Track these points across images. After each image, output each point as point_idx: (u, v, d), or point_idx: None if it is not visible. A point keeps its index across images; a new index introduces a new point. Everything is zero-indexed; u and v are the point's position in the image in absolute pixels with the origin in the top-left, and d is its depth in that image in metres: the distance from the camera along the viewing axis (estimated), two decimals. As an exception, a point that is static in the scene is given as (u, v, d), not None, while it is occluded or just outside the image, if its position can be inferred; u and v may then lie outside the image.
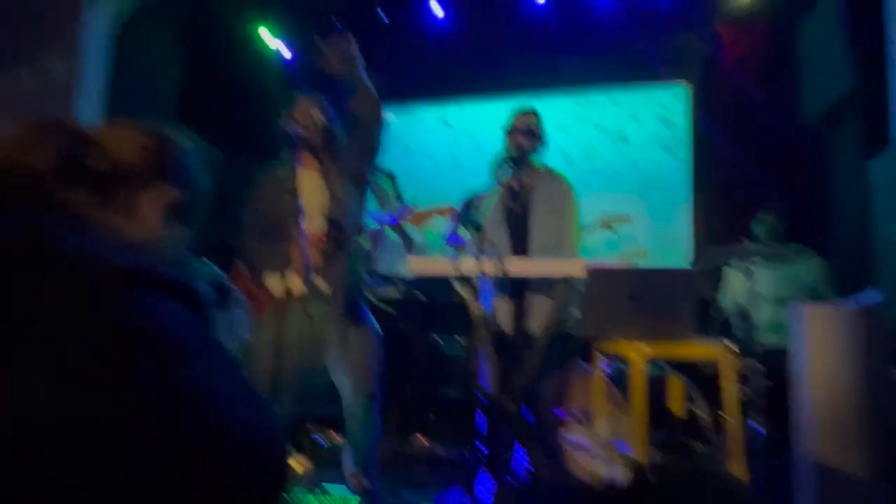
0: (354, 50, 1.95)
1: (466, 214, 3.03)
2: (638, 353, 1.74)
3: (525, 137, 2.34)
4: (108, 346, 0.49)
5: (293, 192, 1.83)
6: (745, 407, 2.35)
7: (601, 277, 1.79)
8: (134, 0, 2.49)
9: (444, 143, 4.39)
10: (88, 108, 2.39)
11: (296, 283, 1.81)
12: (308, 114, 2.02)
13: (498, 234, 2.30)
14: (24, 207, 0.63)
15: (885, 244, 1.30)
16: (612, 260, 3.76)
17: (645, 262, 2.86)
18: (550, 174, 2.44)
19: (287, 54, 4.38)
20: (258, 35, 4.25)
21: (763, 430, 2.22)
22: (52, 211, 0.64)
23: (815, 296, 2.88)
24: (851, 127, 2.83)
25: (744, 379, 2.45)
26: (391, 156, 4.36)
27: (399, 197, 3.32)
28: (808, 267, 2.91)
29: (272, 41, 4.31)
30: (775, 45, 3.64)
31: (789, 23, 3.48)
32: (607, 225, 2.89)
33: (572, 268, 2.06)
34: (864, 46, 2.26)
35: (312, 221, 1.88)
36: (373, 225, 2.71)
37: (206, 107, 3.88)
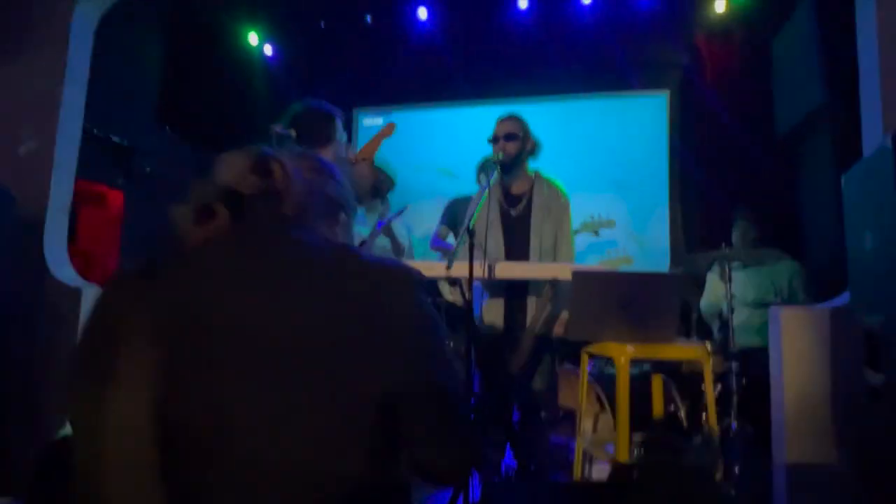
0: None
1: (450, 217, 3.07)
2: (623, 354, 1.80)
3: (509, 142, 2.38)
4: (425, 332, 0.72)
5: None
6: (724, 405, 2.44)
7: (588, 281, 1.84)
8: (115, -5, 2.46)
9: (430, 147, 4.42)
10: (72, 103, 2.36)
11: None
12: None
13: (492, 237, 2.34)
14: (283, 226, 0.76)
15: (856, 253, 1.37)
16: (595, 264, 3.85)
17: (628, 268, 2.95)
18: (545, 181, 2.48)
19: (269, 51, 4.36)
20: (244, 35, 4.23)
21: (739, 427, 2.30)
22: (303, 227, 0.77)
23: (789, 298, 2.99)
24: (823, 138, 2.96)
25: (722, 378, 2.55)
26: (377, 159, 4.40)
27: (385, 201, 3.34)
28: (783, 270, 3.02)
29: (256, 42, 4.29)
30: (750, 56, 3.77)
31: (764, 36, 3.61)
32: (592, 229, 2.97)
33: (559, 271, 2.11)
34: (834, 61, 2.37)
35: None
36: (361, 230, 2.72)
37: (187, 106, 3.84)
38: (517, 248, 2.38)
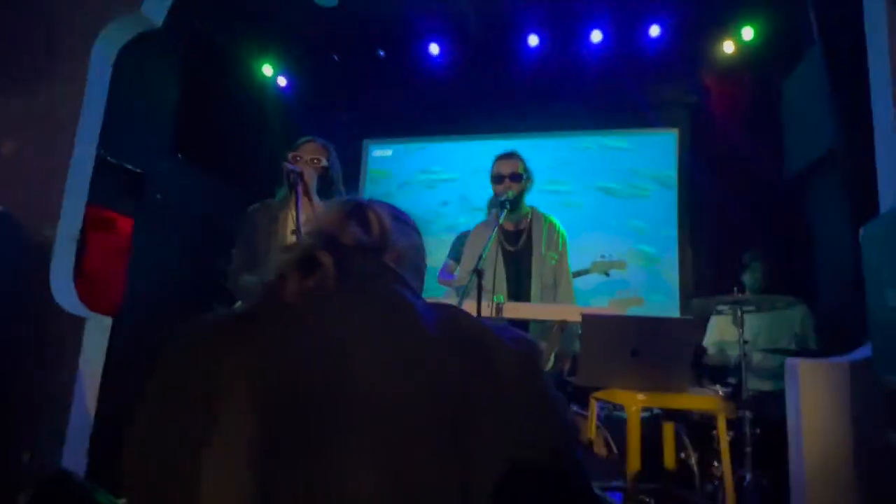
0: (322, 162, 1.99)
1: (457, 251, 3.05)
2: (634, 403, 1.75)
3: (513, 181, 2.38)
4: (545, 412, 0.64)
5: (284, 225, 1.86)
6: (737, 454, 2.36)
7: (598, 326, 1.80)
8: (136, 28, 2.51)
9: (437, 179, 4.44)
10: (88, 133, 2.38)
11: None
12: (313, 154, 2.06)
13: (497, 275, 2.32)
14: (389, 283, 0.70)
15: (878, 309, 1.33)
16: (605, 304, 3.80)
17: (639, 310, 2.90)
18: (543, 217, 2.49)
19: (283, 82, 4.43)
20: (258, 67, 4.31)
21: (754, 478, 2.21)
22: (403, 283, 0.72)
23: (801, 343, 2.93)
24: (833, 182, 2.93)
25: (735, 426, 2.47)
26: (383, 190, 4.42)
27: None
28: (794, 315, 2.97)
29: (271, 74, 4.37)
30: (760, 97, 3.79)
31: (774, 76, 3.63)
32: (602, 269, 2.93)
33: (569, 313, 2.08)
34: (846, 105, 2.37)
35: None
36: None
37: (201, 135, 3.89)
38: (517, 284, 2.37)
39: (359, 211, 0.76)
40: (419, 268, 0.83)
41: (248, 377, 0.59)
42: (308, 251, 0.68)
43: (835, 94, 2.21)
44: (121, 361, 2.55)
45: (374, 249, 0.73)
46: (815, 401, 1.59)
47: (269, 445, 0.57)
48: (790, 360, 1.70)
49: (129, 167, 3.29)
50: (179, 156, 3.73)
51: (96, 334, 2.18)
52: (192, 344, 0.66)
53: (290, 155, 2.08)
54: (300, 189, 1.90)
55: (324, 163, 2.07)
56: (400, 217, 0.82)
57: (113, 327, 2.27)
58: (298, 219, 1.85)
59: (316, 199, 2.01)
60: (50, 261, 2.21)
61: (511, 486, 0.58)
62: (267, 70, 4.35)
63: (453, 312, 0.68)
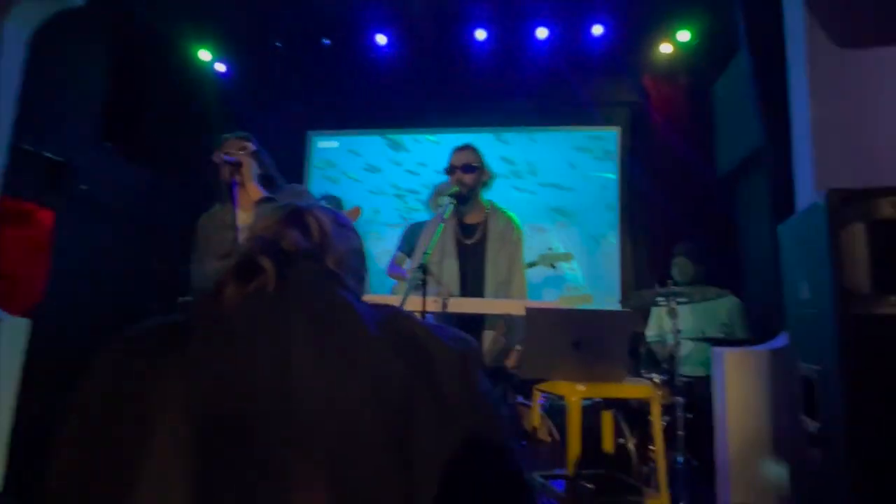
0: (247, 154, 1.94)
1: (407, 243, 3.04)
2: (574, 394, 1.80)
3: (466, 173, 2.38)
4: (483, 409, 0.65)
5: (235, 230, 1.78)
6: (670, 438, 2.49)
7: (541, 319, 1.84)
8: (54, 5, 2.33)
9: (383, 172, 4.40)
10: (2, 118, 2.19)
11: None
12: (238, 145, 1.99)
13: (448, 267, 2.32)
14: (331, 286, 0.69)
15: (793, 301, 1.43)
16: (555, 298, 3.88)
17: (588, 307, 2.98)
18: (499, 212, 2.50)
19: (222, 69, 4.25)
20: (194, 52, 4.10)
21: (685, 461, 2.34)
22: (345, 287, 0.71)
23: (729, 332, 3.12)
24: (759, 181, 3.12)
25: (668, 410, 2.60)
26: (328, 182, 4.33)
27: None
28: (723, 305, 3.16)
29: (209, 59, 4.17)
30: (695, 98, 3.97)
31: (709, 78, 3.81)
32: (549, 262, 3.00)
33: (513, 307, 2.11)
34: (769, 107, 2.51)
35: None
36: None
37: (132, 123, 3.67)
38: (472, 278, 2.37)
39: (298, 216, 0.76)
40: (359, 271, 0.83)
41: (183, 389, 0.57)
42: (248, 256, 0.67)
43: (759, 98, 2.35)
44: (41, 365, 2.37)
45: (314, 254, 0.73)
46: (737, 386, 1.70)
47: (208, 461, 0.54)
48: (716, 349, 1.81)
49: (50, 156, 3.05)
50: (107, 144, 3.50)
51: (12, 337, 2.03)
52: (125, 355, 0.62)
53: (217, 154, 1.99)
54: (237, 181, 1.83)
55: (252, 147, 2.01)
56: (340, 221, 0.81)
57: (32, 329, 2.11)
58: (235, 211, 1.78)
59: (256, 184, 1.95)
60: (-43, 258, 2.03)
61: (451, 482, 0.58)
62: (204, 55, 4.15)
63: (393, 313, 0.68)
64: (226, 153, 1.94)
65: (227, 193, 1.89)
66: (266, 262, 0.66)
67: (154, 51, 3.83)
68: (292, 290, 0.66)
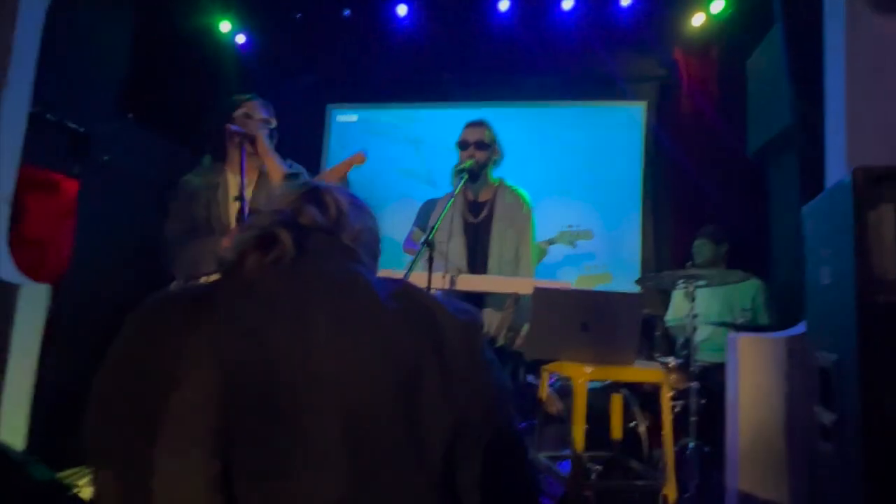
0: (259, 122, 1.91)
1: (423, 219, 3.01)
2: (581, 376, 1.77)
3: (478, 150, 2.34)
4: (491, 378, 0.69)
5: (223, 192, 1.79)
6: (683, 423, 2.44)
7: (549, 299, 1.80)
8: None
9: (402, 148, 4.35)
10: (19, 86, 2.22)
11: None
12: (263, 113, 1.98)
13: (455, 245, 2.30)
14: (347, 261, 0.74)
15: (813, 287, 1.36)
16: (572, 278, 3.80)
17: (607, 286, 2.91)
18: (508, 189, 2.45)
19: (241, 40, 4.23)
20: (216, 23, 4.09)
21: (696, 447, 2.30)
22: (360, 263, 0.75)
23: (752, 318, 3.02)
24: (788, 161, 2.97)
25: (682, 395, 2.54)
26: (347, 156, 4.30)
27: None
28: (747, 289, 3.05)
29: (229, 30, 4.16)
30: (728, 72, 3.78)
31: (742, 51, 3.62)
32: (569, 240, 2.93)
33: (521, 286, 2.07)
34: (802, 85, 2.37)
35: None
36: None
37: (153, 93, 3.69)
38: (479, 255, 2.35)
39: (316, 194, 0.80)
40: (374, 249, 0.86)
41: (209, 349, 0.60)
42: (267, 229, 0.70)
43: (792, 72, 2.21)
44: (67, 330, 2.45)
45: (331, 230, 0.76)
46: (751, 374, 1.64)
47: (231, 416, 0.57)
48: (731, 335, 1.74)
49: (73, 126, 3.10)
50: (130, 115, 3.54)
51: (32, 302, 2.08)
52: (154, 317, 0.67)
53: (239, 112, 1.98)
54: (245, 150, 1.81)
55: (273, 123, 2.00)
56: (356, 202, 0.85)
57: (59, 295, 2.17)
58: (243, 182, 1.77)
59: (277, 160, 1.94)
60: (-20, 225, 2.08)
61: (455, 443, 0.63)
62: (225, 26, 4.13)
63: (404, 285, 0.72)
64: (244, 117, 1.94)
65: (235, 161, 1.88)
66: (284, 235, 0.69)
67: (175, 22, 3.84)
68: (309, 261, 0.70)
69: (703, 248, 3.09)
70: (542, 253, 2.93)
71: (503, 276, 2.28)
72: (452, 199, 2.12)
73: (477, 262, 2.34)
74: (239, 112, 1.96)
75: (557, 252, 3.45)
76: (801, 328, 1.65)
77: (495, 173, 2.45)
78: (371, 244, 0.84)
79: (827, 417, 1.26)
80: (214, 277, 1.85)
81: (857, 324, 1.15)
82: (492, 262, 2.32)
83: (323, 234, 0.75)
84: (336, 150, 4.41)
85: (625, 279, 3.84)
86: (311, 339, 0.62)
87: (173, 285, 1.85)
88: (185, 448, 0.56)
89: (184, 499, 0.55)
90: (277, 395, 0.59)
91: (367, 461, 0.58)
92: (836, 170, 1.67)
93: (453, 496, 0.63)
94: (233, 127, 1.86)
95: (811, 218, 1.43)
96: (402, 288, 0.71)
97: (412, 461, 0.60)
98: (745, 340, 1.66)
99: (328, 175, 2.20)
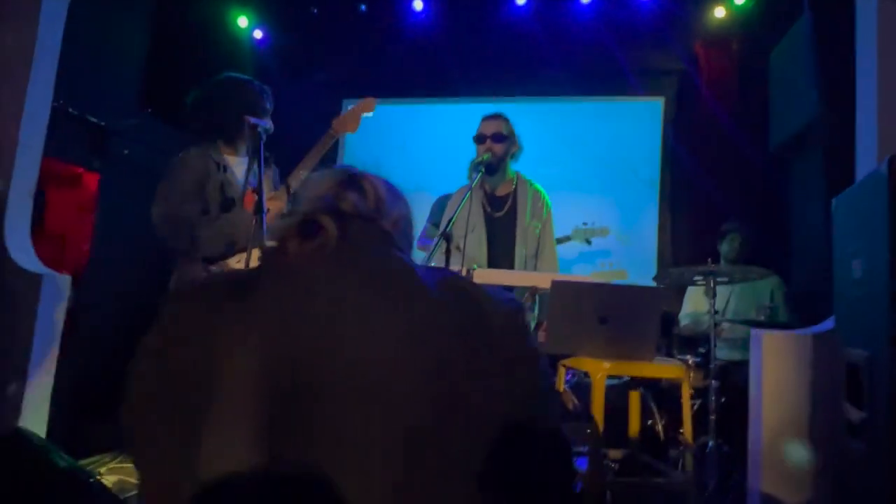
0: None
1: (437, 215, 3.00)
2: (599, 371, 1.75)
3: (496, 143, 2.32)
4: (537, 370, 0.69)
5: (230, 175, 1.81)
6: (702, 421, 2.40)
7: (567, 292, 1.78)
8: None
9: (417, 142, 4.34)
10: (41, 80, 2.25)
11: None
12: (269, 106, 2.00)
13: (474, 239, 2.28)
14: (389, 247, 0.74)
15: (843, 281, 1.32)
16: (587, 274, 3.78)
17: (623, 282, 2.87)
18: (528, 183, 2.43)
19: (259, 35, 4.25)
20: (233, 18, 4.11)
21: (716, 446, 2.26)
22: (400, 249, 0.75)
23: (771, 315, 2.96)
24: (814, 154, 2.91)
25: (702, 393, 2.50)
26: (363, 150, 4.31)
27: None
28: (766, 286, 2.99)
29: (246, 25, 4.18)
30: (748, 66, 3.71)
31: (763, 46, 3.55)
32: (584, 237, 2.91)
33: (539, 280, 2.05)
34: (831, 76, 2.32)
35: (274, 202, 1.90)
36: None
37: (171, 88, 3.72)
38: (501, 251, 2.33)
39: (354, 180, 0.79)
40: (410, 238, 0.86)
41: (250, 333, 0.60)
42: (310, 216, 0.70)
43: (820, 63, 2.16)
44: (87, 320, 2.49)
45: (370, 216, 0.76)
46: (775, 371, 1.60)
47: (276, 406, 0.57)
48: (755, 331, 1.71)
49: (94, 120, 3.14)
50: (149, 110, 3.58)
51: (54, 292, 2.11)
52: (196, 300, 0.67)
53: (260, 107, 2.00)
54: (262, 145, 1.82)
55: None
56: (392, 188, 0.84)
57: (80, 286, 2.20)
58: (261, 176, 1.78)
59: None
60: (4, 217, 2.11)
61: (500, 433, 0.62)
62: (242, 22, 4.15)
63: (448, 274, 0.72)
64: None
65: (236, 145, 1.87)
66: (327, 221, 0.69)
67: (193, 17, 3.86)
68: (352, 248, 0.69)
69: (735, 242, 3.03)
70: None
71: (525, 270, 2.27)
72: (469, 193, 2.10)
73: (498, 256, 2.32)
74: (261, 106, 1.98)
75: (572, 249, 3.42)
76: (828, 324, 1.61)
77: (513, 167, 2.43)
78: (407, 231, 0.84)
79: (856, 415, 1.22)
80: (236, 259, 1.83)
81: (889, 319, 1.12)
82: (518, 257, 2.31)
83: (363, 220, 0.74)
84: (352, 144, 4.41)
85: (641, 276, 3.79)
86: (358, 326, 0.61)
87: (180, 270, 1.85)
88: (232, 432, 0.56)
89: (231, 481, 0.55)
90: (323, 381, 0.59)
91: (412, 449, 0.58)
92: (868, 161, 1.63)
93: (495, 485, 0.61)
94: (253, 120, 1.86)
95: (841, 210, 1.39)
96: (448, 277, 0.71)
97: (457, 449, 0.59)
98: (771, 337, 1.62)
99: (340, 123, 2.18)
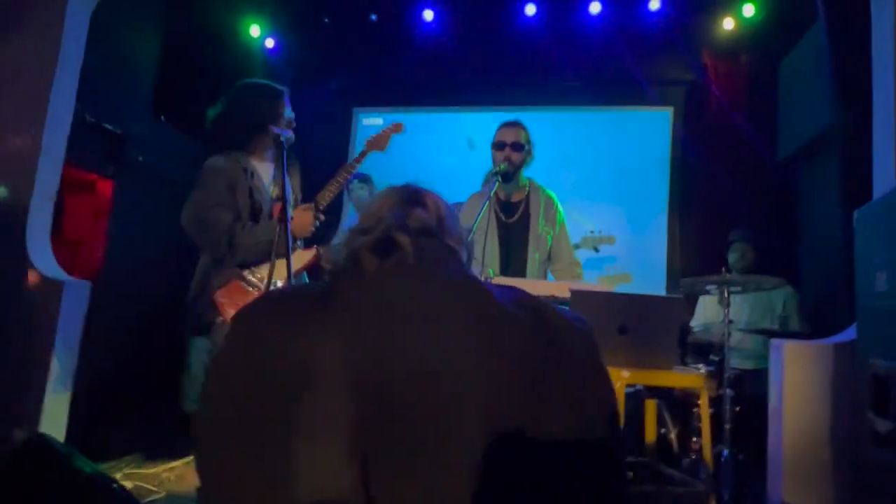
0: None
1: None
2: (619, 380, 1.75)
3: (516, 151, 2.33)
4: (605, 390, 0.70)
5: (254, 177, 1.84)
6: (716, 431, 2.40)
7: (587, 301, 1.79)
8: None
9: (427, 152, 4.36)
10: (64, 90, 2.28)
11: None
12: (288, 114, 2.02)
13: (488, 246, 2.29)
14: (460, 265, 0.76)
15: (866, 293, 1.33)
16: (594, 279, 3.79)
17: (626, 286, 2.91)
18: (540, 190, 2.45)
19: (270, 44, 4.28)
20: (245, 27, 4.15)
21: (731, 455, 2.26)
22: (465, 265, 0.77)
23: (784, 325, 2.97)
24: (826, 163, 2.92)
25: (715, 403, 2.50)
26: (373, 160, 4.33)
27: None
28: (780, 297, 3.00)
29: (258, 34, 4.22)
30: (758, 77, 3.74)
31: (772, 56, 3.58)
32: (592, 245, 2.93)
33: (556, 289, 2.06)
34: (845, 85, 2.34)
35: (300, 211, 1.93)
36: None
37: (184, 96, 3.76)
38: (514, 256, 2.34)
39: (418, 196, 0.80)
40: (471, 253, 0.88)
41: (337, 349, 0.61)
42: (385, 232, 0.71)
43: (835, 71, 2.18)
44: (101, 326, 2.50)
45: (435, 232, 0.77)
46: (797, 381, 1.61)
47: (365, 420, 0.58)
48: (775, 341, 1.71)
49: (110, 128, 3.17)
50: (162, 118, 3.60)
51: (75, 298, 2.13)
52: (274, 314, 0.67)
53: (283, 116, 2.02)
54: (285, 154, 1.85)
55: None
56: (448, 204, 0.86)
57: (93, 292, 2.22)
58: (287, 187, 1.80)
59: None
60: (26, 224, 2.14)
61: (571, 449, 0.63)
62: (254, 31, 4.19)
63: (522, 294, 0.73)
64: (289, 124, 1.99)
65: (258, 151, 1.92)
66: (403, 239, 0.70)
67: (206, 27, 3.90)
68: (428, 266, 0.70)
69: (744, 252, 3.04)
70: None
71: (541, 276, 2.28)
72: (488, 202, 2.12)
73: (510, 262, 2.34)
74: (283, 116, 2.00)
75: (579, 254, 3.44)
76: (848, 334, 1.62)
77: (526, 174, 2.46)
78: (469, 247, 0.85)
79: (882, 425, 1.23)
80: (266, 266, 1.83)
81: (915, 330, 1.12)
82: (530, 263, 2.32)
83: (430, 236, 0.75)
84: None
85: (648, 283, 3.80)
86: (439, 342, 0.62)
87: (216, 275, 1.87)
88: (326, 440, 0.57)
89: (328, 488, 0.56)
90: (406, 396, 0.59)
91: (491, 461, 0.58)
92: (885, 169, 1.64)
93: (561, 497, 0.63)
94: (276, 130, 1.89)
95: (864, 222, 1.40)
96: (523, 296, 0.72)
97: (534, 464, 0.60)
98: (791, 347, 1.63)
99: (372, 143, 2.24)
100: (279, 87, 2.12)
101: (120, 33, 3.24)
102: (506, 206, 2.40)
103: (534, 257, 2.31)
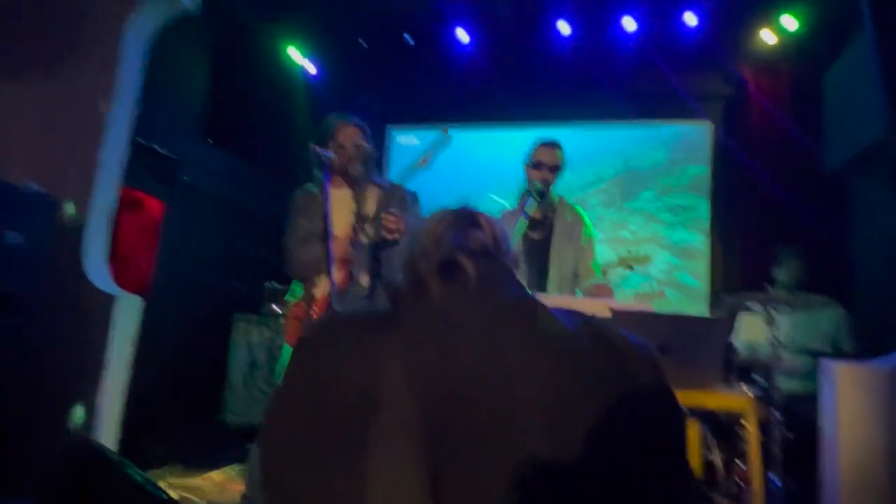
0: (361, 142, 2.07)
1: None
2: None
3: (551, 172, 2.34)
4: (669, 396, 0.70)
5: (327, 201, 1.90)
6: (765, 457, 2.30)
7: (627, 322, 1.76)
8: (173, 10, 2.53)
9: (463, 169, 4.39)
10: (121, 118, 2.41)
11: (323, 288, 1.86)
12: (351, 138, 2.07)
13: (520, 264, 2.30)
14: (521, 288, 0.76)
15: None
16: (626, 297, 3.73)
17: (661, 304, 2.85)
18: (568, 207, 2.45)
19: (313, 70, 4.43)
20: (286, 52, 4.31)
21: (780, 482, 2.16)
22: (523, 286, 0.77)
23: (835, 346, 2.84)
24: (879, 176, 2.81)
25: (764, 428, 2.40)
26: (408, 178, 4.38)
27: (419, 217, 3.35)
28: (830, 316, 2.87)
29: (301, 60, 4.37)
30: (801, 89, 3.64)
31: (815, 68, 3.48)
32: (627, 264, 2.88)
33: (597, 307, 2.04)
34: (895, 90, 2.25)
35: (339, 242, 1.97)
36: None
37: (230, 120, 3.92)
38: (536, 273, 2.34)
39: (474, 217, 0.80)
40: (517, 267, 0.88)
41: (403, 372, 0.61)
42: (447, 255, 0.72)
43: (885, 80, 2.10)
44: (150, 342, 2.60)
45: (493, 254, 0.77)
46: (851, 405, 1.54)
47: (435, 442, 0.58)
48: (826, 362, 1.65)
49: (161, 150, 3.32)
50: (209, 140, 3.76)
51: (128, 313, 2.23)
52: (341, 337, 0.68)
53: (333, 139, 2.09)
54: (330, 173, 1.90)
55: (366, 147, 2.10)
56: (502, 225, 0.85)
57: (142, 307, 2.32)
58: (327, 202, 1.85)
59: (368, 180, 2.09)
60: (83, 240, 2.25)
61: (638, 472, 0.63)
62: (296, 56, 4.35)
63: (586, 318, 0.73)
64: (336, 146, 2.06)
65: (320, 172, 1.98)
66: (466, 262, 0.71)
67: (251, 53, 4.07)
68: (489, 286, 0.71)
69: (795, 269, 2.93)
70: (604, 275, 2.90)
71: (563, 292, 2.27)
72: (524, 219, 2.13)
73: (535, 279, 2.33)
74: (333, 139, 2.07)
75: (615, 273, 3.39)
76: (906, 357, 1.54)
77: (557, 189, 2.46)
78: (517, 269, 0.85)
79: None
80: (321, 280, 1.89)
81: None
82: (552, 279, 2.31)
83: (489, 258, 0.75)
84: (397, 171, 4.51)
85: (686, 300, 3.71)
86: (504, 361, 0.63)
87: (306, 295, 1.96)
88: (398, 462, 0.58)
89: None
90: (473, 414, 0.60)
91: (558, 483, 0.59)
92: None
93: None
94: (317, 149, 1.94)
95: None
96: (588, 321, 0.72)
97: (601, 488, 0.60)
98: (845, 369, 1.56)
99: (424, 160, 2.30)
100: (345, 117, 2.18)
101: (171, 61, 3.42)
102: (533, 223, 2.41)
103: (556, 273, 2.30)
